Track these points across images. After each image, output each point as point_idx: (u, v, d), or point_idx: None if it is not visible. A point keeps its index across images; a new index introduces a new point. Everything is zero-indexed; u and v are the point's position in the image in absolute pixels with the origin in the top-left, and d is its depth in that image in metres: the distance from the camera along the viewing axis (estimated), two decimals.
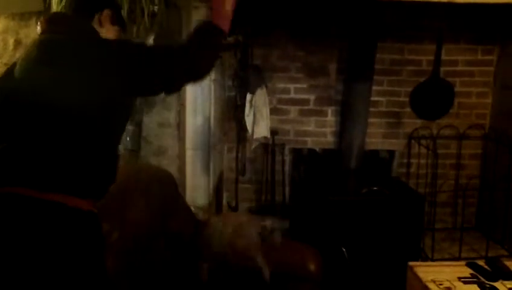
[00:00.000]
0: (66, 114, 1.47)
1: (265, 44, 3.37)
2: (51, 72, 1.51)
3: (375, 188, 3.04)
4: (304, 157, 3.56)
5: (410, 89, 3.31)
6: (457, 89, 3.39)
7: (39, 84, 1.52)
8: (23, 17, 3.31)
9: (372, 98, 3.33)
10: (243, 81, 3.15)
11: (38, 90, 1.51)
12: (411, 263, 2.29)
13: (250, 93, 3.07)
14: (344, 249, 2.81)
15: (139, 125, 3.00)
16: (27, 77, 1.54)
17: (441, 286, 2.05)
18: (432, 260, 3.04)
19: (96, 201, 1.56)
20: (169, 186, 2.43)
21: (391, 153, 3.56)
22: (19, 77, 1.56)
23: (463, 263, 2.31)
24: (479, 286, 2.06)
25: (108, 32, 1.69)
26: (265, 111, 3.13)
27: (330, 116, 3.49)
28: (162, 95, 1.81)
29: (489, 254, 3.04)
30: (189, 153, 2.92)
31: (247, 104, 3.08)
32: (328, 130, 3.51)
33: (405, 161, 3.54)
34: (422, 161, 3.47)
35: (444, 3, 2.63)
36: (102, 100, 1.51)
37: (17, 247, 1.42)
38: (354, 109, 3.27)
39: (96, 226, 1.56)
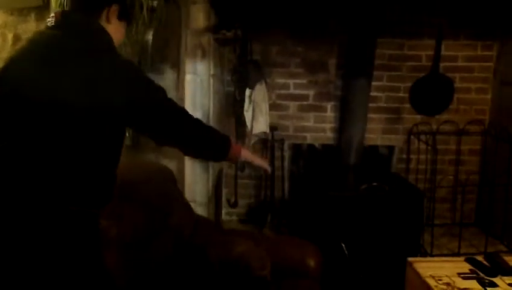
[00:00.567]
0: (59, 116, 1.45)
1: (265, 39, 3.37)
2: (51, 71, 1.49)
3: (374, 183, 3.04)
4: (303, 153, 3.56)
5: (409, 85, 3.31)
6: (456, 84, 3.39)
7: (37, 83, 1.49)
8: (22, 12, 3.30)
9: (372, 94, 3.33)
10: (242, 77, 3.14)
11: (35, 89, 1.49)
12: (410, 259, 2.28)
13: (249, 88, 3.07)
14: (343, 245, 2.81)
15: None
16: (26, 74, 1.52)
17: (440, 282, 2.05)
18: (431, 255, 3.05)
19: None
20: (168, 183, 2.43)
21: (390, 148, 3.56)
22: (17, 73, 1.54)
23: (462, 258, 2.30)
24: (478, 282, 2.06)
25: (115, 28, 1.66)
26: (264, 106, 3.13)
27: (329, 112, 3.49)
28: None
29: (489, 250, 3.04)
30: None
31: (247, 100, 3.07)
32: (327, 125, 3.51)
33: (404, 156, 3.54)
34: (422, 157, 3.47)
35: None
36: (94, 107, 1.47)
37: (16, 246, 1.42)
38: (353, 105, 3.26)
39: (94, 224, 1.55)
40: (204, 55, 2.88)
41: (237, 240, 2.33)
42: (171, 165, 2.91)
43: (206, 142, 1.75)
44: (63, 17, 1.59)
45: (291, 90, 3.47)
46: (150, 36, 2.80)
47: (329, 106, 3.48)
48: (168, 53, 3.05)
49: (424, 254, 3.07)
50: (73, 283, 1.48)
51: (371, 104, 3.35)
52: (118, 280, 1.70)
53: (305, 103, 3.48)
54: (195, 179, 2.92)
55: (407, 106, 3.39)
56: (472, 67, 3.47)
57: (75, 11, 1.64)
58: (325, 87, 3.46)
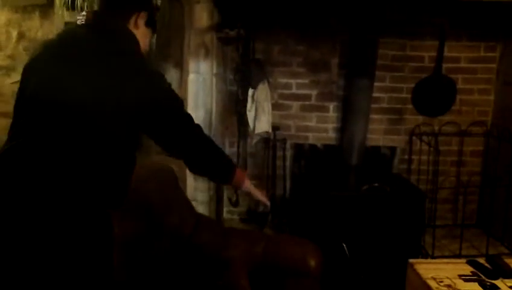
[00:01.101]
0: (79, 114, 1.46)
1: (267, 38, 3.37)
2: (78, 69, 1.50)
3: (376, 184, 3.05)
4: (305, 153, 3.56)
5: (412, 86, 3.30)
6: (459, 85, 3.39)
7: (62, 81, 1.50)
8: (26, 10, 3.31)
9: (374, 94, 3.32)
10: (245, 76, 3.15)
11: (59, 87, 1.50)
12: (411, 260, 2.28)
13: (252, 88, 3.07)
14: (344, 245, 2.81)
15: None
16: (53, 70, 1.53)
17: (441, 284, 2.05)
18: (432, 257, 3.04)
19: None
20: (169, 182, 2.43)
21: (392, 149, 3.56)
22: (43, 68, 1.55)
23: (463, 260, 2.31)
24: (479, 284, 2.06)
25: (142, 34, 1.68)
26: (267, 106, 3.13)
27: (332, 112, 3.49)
28: None
29: (490, 251, 3.04)
30: None
31: (249, 99, 3.08)
32: (329, 125, 3.50)
33: (406, 157, 3.54)
34: (424, 158, 3.46)
35: None
36: (115, 108, 1.49)
37: (31, 243, 1.43)
38: (355, 105, 3.26)
39: (108, 224, 1.56)
40: (207, 54, 2.88)
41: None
42: (173, 163, 2.92)
43: (213, 162, 1.78)
44: (94, 18, 1.62)
45: (294, 90, 3.46)
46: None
47: (331, 106, 3.48)
48: (171, 52, 3.06)
49: (425, 256, 3.06)
50: (85, 278, 1.49)
51: (373, 105, 3.34)
52: (118, 278, 1.71)
53: (307, 102, 3.48)
54: (196, 178, 2.93)
55: (410, 106, 3.38)
56: (475, 69, 3.47)
57: (106, 13, 1.66)
58: (328, 87, 3.46)
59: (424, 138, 3.43)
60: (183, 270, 2.20)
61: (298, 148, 3.55)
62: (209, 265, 2.27)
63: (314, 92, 3.47)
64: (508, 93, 3.37)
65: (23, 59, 3.34)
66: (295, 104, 3.48)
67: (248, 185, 1.88)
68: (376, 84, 3.31)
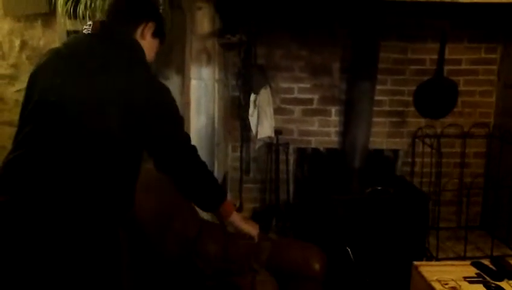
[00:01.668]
0: (83, 124, 1.47)
1: (269, 43, 3.38)
2: (83, 78, 1.51)
3: (379, 187, 3.05)
4: (307, 157, 3.56)
5: (413, 88, 3.31)
6: (461, 87, 3.39)
7: (67, 89, 1.51)
8: (29, 18, 3.33)
9: (376, 97, 3.33)
10: (247, 81, 3.16)
11: (61, 97, 1.51)
12: (416, 263, 2.28)
13: (254, 93, 3.08)
14: (348, 249, 2.81)
15: None
16: (59, 78, 1.54)
17: (446, 286, 2.05)
18: (437, 259, 3.04)
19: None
20: (172, 187, 2.43)
21: (395, 152, 3.56)
22: (50, 75, 1.56)
23: (468, 262, 2.30)
24: (484, 286, 2.06)
25: (149, 44, 1.68)
26: (269, 111, 3.13)
27: (334, 116, 3.49)
28: None
29: (495, 253, 3.03)
30: None
31: (251, 104, 3.08)
32: (332, 129, 3.51)
33: (409, 159, 3.54)
34: (427, 160, 3.46)
35: (447, 2, 2.63)
36: (118, 117, 1.50)
37: (41, 248, 1.43)
38: (357, 108, 3.27)
39: (115, 230, 1.57)
40: (209, 60, 2.89)
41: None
42: None
43: (201, 187, 1.73)
44: (101, 27, 1.61)
45: (296, 95, 3.47)
46: None
47: (333, 109, 3.49)
48: (173, 58, 3.07)
49: (430, 258, 3.06)
50: (93, 281, 1.50)
51: (375, 108, 3.35)
52: (125, 283, 1.71)
53: (309, 107, 3.48)
54: None
55: (412, 109, 3.39)
56: (476, 70, 3.47)
57: (112, 23, 1.66)
58: (330, 91, 3.47)
59: (427, 140, 3.43)
60: (188, 275, 2.20)
61: (301, 152, 3.55)
62: (214, 270, 2.28)
63: (316, 96, 3.48)
64: (509, 95, 3.37)
65: (26, 68, 3.37)
66: (297, 109, 3.49)
67: (236, 219, 1.82)
68: (378, 87, 3.32)
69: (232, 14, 3.01)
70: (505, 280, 2.09)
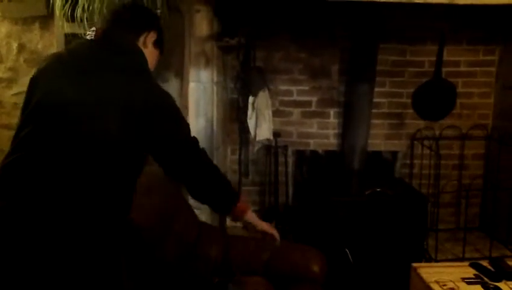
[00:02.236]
0: (82, 129, 1.47)
1: (268, 46, 3.39)
2: (84, 84, 1.50)
3: (378, 189, 3.04)
4: (306, 159, 3.56)
5: (412, 90, 3.31)
6: (459, 89, 3.39)
7: (68, 95, 1.50)
8: (27, 21, 3.33)
9: (375, 100, 3.34)
10: (245, 84, 3.16)
11: (62, 101, 1.50)
12: (414, 264, 2.29)
13: (252, 95, 3.08)
14: (347, 250, 2.81)
15: None
16: (60, 84, 1.54)
17: (445, 287, 2.06)
18: (436, 260, 3.04)
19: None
20: (172, 189, 2.44)
21: (394, 154, 3.57)
22: (51, 80, 1.56)
23: (466, 263, 2.31)
24: (482, 287, 2.07)
25: (150, 53, 1.69)
26: (267, 113, 3.14)
27: (333, 118, 3.50)
28: None
29: (493, 254, 3.04)
30: None
31: (250, 107, 3.08)
32: (330, 131, 3.51)
33: (408, 161, 3.55)
34: (425, 162, 3.47)
35: (445, 4, 2.63)
36: (120, 124, 1.49)
37: (41, 249, 1.42)
38: (356, 111, 3.27)
39: (114, 233, 1.57)
40: (207, 63, 2.89)
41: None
42: None
43: (214, 190, 1.75)
44: (104, 34, 1.62)
45: (295, 97, 3.48)
46: None
47: (332, 112, 3.49)
48: (172, 61, 3.07)
49: (429, 259, 3.06)
50: (93, 286, 1.49)
51: (374, 110, 3.35)
52: (124, 286, 1.71)
53: (308, 109, 3.49)
54: None
55: (410, 111, 3.39)
56: (474, 72, 3.48)
57: (116, 29, 1.66)
58: (328, 93, 3.47)
59: (425, 142, 3.44)
60: (187, 278, 2.20)
61: (300, 154, 3.56)
62: (213, 272, 2.28)
63: (314, 99, 3.48)
64: (508, 97, 3.38)
65: (24, 71, 3.38)
66: (296, 111, 3.49)
67: (251, 217, 1.84)
68: (376, 89, 3.33)
69: (230, 17, 3.02)
70: (503, 281, 2.10)
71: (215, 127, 2.99)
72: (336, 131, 3.50)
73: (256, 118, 3.09)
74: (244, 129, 3.25)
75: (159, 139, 1.59)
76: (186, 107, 2.93)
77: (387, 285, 2.80)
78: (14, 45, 3.37)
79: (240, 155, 3.40)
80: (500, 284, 2.08)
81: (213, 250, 2.39)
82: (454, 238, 3.39)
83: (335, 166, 3.45)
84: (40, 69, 1.62)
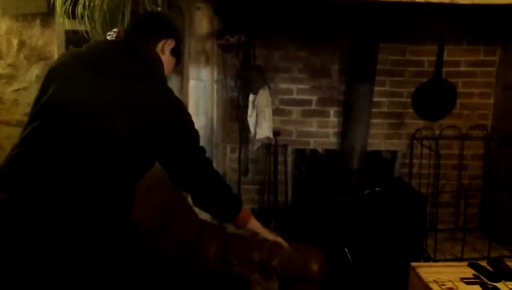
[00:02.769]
0: (91, 128, 1.48)
1: (268, 45, 3.38)
2: (101, 84, 1.52)
3: (377, 188, 3.05)
4: (306, 158, 3.57)
5: (412, 90, 3.31)
6: (459, 89, 3.40)
7: (83, 92, 1.52)
8: (27, 18, 3.33)
9: (374, 99, 3.33)
10: (245, 82, 3.16)
11: (74, 98, 1.52)
12: (413, 264, 2.29)
13: (252, 94, 3.08)
14: (346, 250, 2.81)
15: None
16: (76, 82, 1.55)
17: (443, 287, 2.05)
18: (434, 260, 3.05)
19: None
20: (172, 187, 2.43)
21: (393, 153, 3.57)
22: (66, 76, 1.57)
23: (465, 263, 2.31)
24: (481, 287, 2.07)
25: (166, 61, 1.73)
26: (267, 112, 3.14)
27: (332, 117, 3.50)
28: None
29: (492, 255, 3.04)
30: None
31: (250, 105, 3.09)
32: (330, 130, 3.51)
33: (407, 161, 3.55)
34: (425, 162, 3.47)
35: (446, 4, 2.63)
36: (132, 128, 1.51)
37: (34, 248, 1.43)
38: (356, 110, 3.27)
39: (116, 234, 1.57)
40: (207, 61, 2.89)
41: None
42: None
43: (218, 199, 1.79)
44: (125, 36, 1.66)
45: (294, 96, 3.48)
46: None
47: (332, 111, 3.49)
48: None
49: (427, 259, 3.07)
50: (93, 283, 1.50)
51: (373, 109, 3.35)
52: (124, 283, 1.71)
53: (308, 108, 3.49)
54: None
55: (410, 111, 3.39)
56: (474, 72, 3.48)
57: (136, 33, 1.70)
58: (328, 92, 3.47)
59: (425, 142, 3.44)
60: (187, 276, 2.20)
61: (299, 153, 3.56)
62: (212, 271, 2.28)
63: (314, 98, 3.48)
64: (508, 97, 3.38)
65: (24, 67, 3.37)
66: (296, 110, 3.49)
67: (254, 225, 1.89)
68: (376, 88, 3.33)
69: (231, 15, 3.02)
70: (502, 281, 2.10)
71: (215, 126, 2.99)
72: (336, 130, 3.50)
73: (256, 116, 3.09)
74: (244, 128, 3.25)
75: (167, 143, 1.61)
76: (186, 105, 2.93)
77: (386, 284, 2.80)
78: (15, 42, 3.37)
79: (239, 154, 3.40)
80: (499, 285, 2.08)
81: (212, 248, 2.39)
82: (453, 238, 3.39)
83: (334, 165, 3.45)
84: (57, 63, 1.64)
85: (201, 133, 2.84)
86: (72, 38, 3.08)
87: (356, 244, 2.86)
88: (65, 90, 1.54)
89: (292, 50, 3.42)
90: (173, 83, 3.02)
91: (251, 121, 3.10)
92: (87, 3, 2.72)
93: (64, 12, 2.81)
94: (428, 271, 2.20)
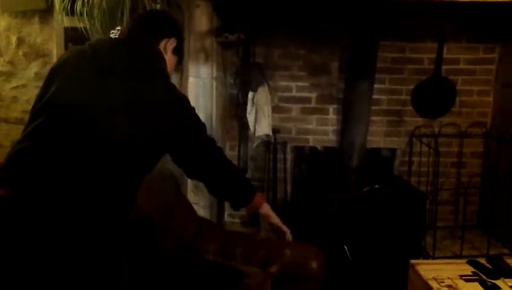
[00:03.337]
0: (93, 126, 1.48)
1: (267, 42, 3.38)
2: (105, 81, 1.53)
3: (376, 186, 3.05)
4: (305, 156, 3.56)
5: (411, 88, 3.32)
6: (458, 87, 3.40)
7: (87, 91, 1.53)
8: (26, 15, 3.32)
9: (374, 97, 3.33)
10: (245, 79, 3.16)
11: (77, 96, 1.52)
12: (413, 261, 2.30)
13: (252, 91, 3.08)
14: (346, 247, 2.82)
15: None
16: (79, 79, 1.56)
17: (443, 284, 2.06)
18: (434, 258, 3.04)
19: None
20: (171, 185, 2.44)
21: (393, 151, 3.57)
22: (70, 74, 1.58)
23: (464, 261, 2.32)
24: (480, 284, 2.07)
25: (168, 59, 1.75)
26: (267, 109, 3.14)
27: (332, 115, 3.50)
28: None
29: (491, 252, 3.04)
30: None
31: (249, 102, 3.08)
32: (329, 128, 3.51)
33: (407, 159, 3.55)
34: (424, 159, 3.47)
35: (445, 1, 2.63)
36: (137, 125, 1.52)
37: (35, 244, 1.42)
38: (355, 107, 3.27)
39: (118, 231, 1.57)
40: (207, 59, 2.89)
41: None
42: (174, 167, 2.92)
43: (232, 185, 1.82)
44: (129, 34, 1.68)
45: (294, 93, 3.47)
46: None
47: (331, 108, 3.49)
48: None
49: (427, 257, 3.07)
50: (93, 279, 1.50)
51: (373, 107, 3.35)
52: (124, 280, 1.71)
53: (307, 105, 3.49)
54: (198, 183, 2.93)
55: (410, 108, 3.39)
56: (474, 70, 3.48)
57: (140, 31, 1.72)
58: (328, 90, 3.47)
59: (424, 139, 3.44)
60: (186, 274, 2.20)
61: (299, 151, 3.55)
62: (211, 269, 2.28)
63: (314, 95, 3.48)
64: (507, 95, 3.38)
65: (23, 65, 3.37)
66: (295, 107, 3.49)
67: (266, 210, 1.90)
68: (376, 86, 3.33)
69: (230, 12, 3.02)
70: (501, 278, 2.10)
71: (214, 123, 2.98)
72: (335, 128, 3.50)
73: (256, 113, 3.08)
74: (243, 125, 3.25)
75: (177, 137, 1.62)
76: None
77: (386, 282, 2.80)
78: (13, 39, 3.36)
79: (238, 151, 3.40)
80: (498, 282, 2.08)
81: (211, 245, 2.39)
82: (452, 236, 3.39)
83: (334, 163, 3.45)
84: (61, 61, 1.64)
85: None
86: (71, 35, 3.08)
87: (355, 242, 2.86)
88: (68, 88, 1.54)
89: (292, 48, 3.42)
90: (172, 81, 2.98)
91: (250, 118, 3.10)
92: (86, 0, 2.72)
93: (63, 9, 2.81)
94: (427, 268, 2.21)
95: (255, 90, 3.07)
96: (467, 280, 2.10)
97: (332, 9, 3.22)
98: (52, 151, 1.46)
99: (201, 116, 2.87)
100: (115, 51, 1.61)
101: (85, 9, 2.72)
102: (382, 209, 2.98)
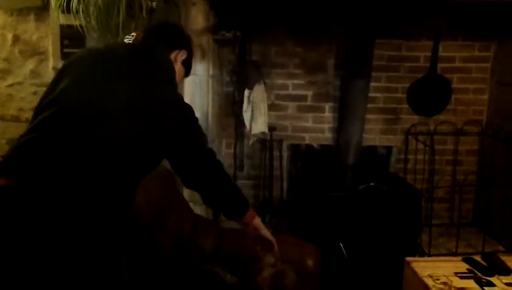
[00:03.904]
0: (98, 127, 1.50)
1: (264, 40, 3.38)
2: (116, 84, 1.56)
3: (372, 183, 3.05)
4: (301, 153, 3.57)
5: (407, 85, 3.32)
6: (454, 85, 3.40)
7: (88, 91, 1.55)
8: (22, 12, 3.31)
9: (370, 94, 3.34)
10: (241, 77, 3.16)
11: (84, 96, 1.54)
12: (408, 259, 2.30)
13: (248, 89, 3.08)
14: (341, 245, 2.82)
15: None
16: (91, 81, 1.58)
17: (438, 281, 2.06)
18: (429, 255, 3.06)
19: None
20: (168, 183, 2.43)
21: (389, 149, 3.58)
22: (82, 73, 1.60)
23: (459, 258, 2.32)
24: (475, 281, 2.08)
25: (177, 70, 1.81)
26: (263, 107, 3.14)
27: (328, 112, 3.50)
28: None
29: (486, 250, 3.05)
30: None
31: (245, 100, 3.09)
32: (325, 126, 3.52)
33: (402, 156, 3.56)
34: (420, 157, 3.48)
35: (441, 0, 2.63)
36: (141, 129, 1.54)
37: (33, 240, 1.42)
38: (351, 105, 3.28)
39: (115, 229, 1.57)
40: (203, 56, 2.89)
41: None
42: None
43: (227, 199, 1.85)
44: (143, 40, 1.73)
45: (290, 91, 3.48)
46: None
47: (327, 106, 3.50)
48: None
49: (422, 254, 3.08)
50: (92, 276, 1.50)
51: (369, 105, 3.36)
52: (123, 277, 1.71)
53: (303, 103, 3.49)
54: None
55: (405, 106, 3.40)
56: (469, 68, 3.49)
57: (153, 39, 1.77)
58: (324, 87, 3.48)
59: (420, 137, 3.45)
60: (183, 271, 2.21)
61: (295, 148, 3.56)
62: (208, 266, 2.28)
63: (310, 93, 3.48)
64: (502, 93, 3.39)
65: (19, 62, 3.36)
66: (291, 105, 3.49)
67: (257, 223, 1.94)
68: (372, 84, 3.33)
69: (226, 10, 3.01)
70: (496, 276, 2.11)
71: (210, 121, 2.98)
72: (331, 125, 3.51)
73: (252, 111, 3.09)
74: (239, 123, 3.25)
75: (178, 144, 1.66)
76: None
77: (381, 279, 2.81)
78: (9, 36, 3.35)
79: (235, 149, 3.40)
80: (493, 279, 2.09)
81: (208, 242, 2.40)
82: (448, 233, 3.40)
83: (330, 161, 3.45)
84: (73, 59, 1.68)
85: None
86: (67, 33, 3.07)
87: (351, 239, 2.87)
88: (77, 86, 1.57)
89: (288, 45, 3.42)
90: None
91: (246, 116, 3.10)
92: None
93: (59, 6, 2.80)
94: (423, 266, 2.21)
95: (251, 88, 3.07)
96: (462, 277, 2.11)
97: (328, 7, 3.22)
98: (56, 145, 1.48)
99: (198, 113, 2.85)
100: (129, 56, 1.66)
101: (81, 6, 2.71)
102: (378, 206, 2.98)
